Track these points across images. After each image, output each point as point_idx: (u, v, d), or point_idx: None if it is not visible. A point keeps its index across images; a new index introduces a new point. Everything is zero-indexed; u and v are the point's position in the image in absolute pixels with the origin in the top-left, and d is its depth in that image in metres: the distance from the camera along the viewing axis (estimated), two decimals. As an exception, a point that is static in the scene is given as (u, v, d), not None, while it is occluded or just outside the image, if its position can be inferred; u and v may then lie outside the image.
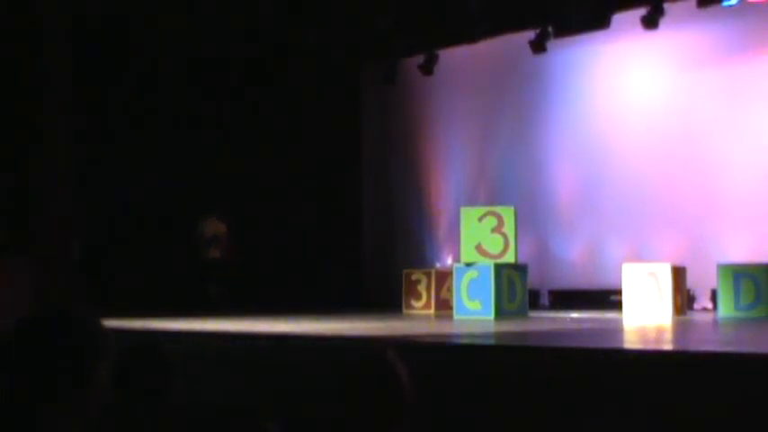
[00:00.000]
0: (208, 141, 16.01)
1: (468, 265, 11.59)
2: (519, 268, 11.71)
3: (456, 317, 11.40)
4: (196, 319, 10.31)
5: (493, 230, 11.58)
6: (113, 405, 3.18)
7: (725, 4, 13.82)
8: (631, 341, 7.87)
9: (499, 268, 11.34)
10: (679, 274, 11.89)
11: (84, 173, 13.67)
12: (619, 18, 14.34)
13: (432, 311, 13.30)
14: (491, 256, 11.49)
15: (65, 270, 12.67)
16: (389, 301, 14.69)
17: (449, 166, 17.14)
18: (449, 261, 15.77)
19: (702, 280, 12.83)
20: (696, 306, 13.43)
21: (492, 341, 7.93)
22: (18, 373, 2.31)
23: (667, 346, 7.38)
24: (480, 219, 11.68)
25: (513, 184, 15.80)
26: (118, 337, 2.48)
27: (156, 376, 3.61)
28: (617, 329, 9.28)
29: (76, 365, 2.33)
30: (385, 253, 17.32)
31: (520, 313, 11.48)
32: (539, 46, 15.12)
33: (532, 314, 11.95)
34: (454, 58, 16.28)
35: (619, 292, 12.17)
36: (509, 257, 11.50)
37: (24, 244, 12.14)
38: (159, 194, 15.25)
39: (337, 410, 2.98)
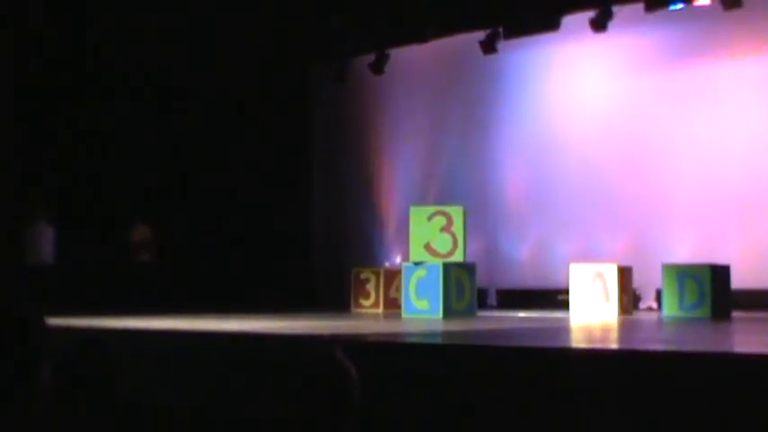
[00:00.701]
0: (154, 142, 15.87)
1: (417, 264, 11.61)
2: (467, 268, 11.75)
3: (404, 316, 11.41)
4: (142, 318, 10.20)
5: (442, 230, 11.61)
6: (57, 404, 3.13)
7: (672, 7, 14.01)
8: (578, 340, 7.94)
9: (448, 267, 11.38)
10: (625, 274, 12.04)
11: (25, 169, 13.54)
12: (568, 20, 14.48)
13: (380, 310, 13.30)
14: (440, 256, 11.52)
15: (9, 270, 12.55)
16: (338, 299, 14.67)
17: (399, 164, 17.16)
18: (398, 260, 15.78)
19: (648, 280, 12.99)
20: (642, 306, 13.60)
21: (439, 340, 7.95)
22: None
23: (613, 345, 7.46)
24: (429, 218, 11.71)
25: (463, 184, 15.87)
26: (61, 336, 2.45)
27: (100, 375, 3.56)
28: (564, 328, 9.36)
29: (19, 365, 2.29)
30: (334, 251, 17.29)
31: (468, 312, 11.52)
32: (489, 47, 15.21)
33: (480, 313, 12.00)
34: (405, 57, 16.30)
35: (566, 292, 12.29)
36: (458, 257, 11.55)
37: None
38: (100, 195, 15.14)
39: (286, 409, 2.97)
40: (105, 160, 15.35)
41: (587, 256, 13.34)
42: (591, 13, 14.21)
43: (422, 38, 15.55)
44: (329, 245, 17.48)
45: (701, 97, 14.02)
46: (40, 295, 12.55)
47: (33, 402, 2.32)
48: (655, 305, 13.41)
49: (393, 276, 13.37)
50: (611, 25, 14.13)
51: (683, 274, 11.15)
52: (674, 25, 14.23)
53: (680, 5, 14.03)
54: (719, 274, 11.18)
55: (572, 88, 15.35)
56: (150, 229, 14.97)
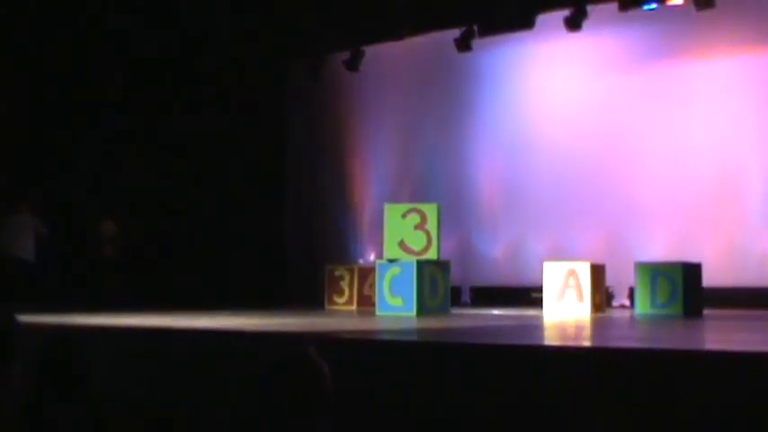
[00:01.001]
0: (131, 141, 15.83)
1: (391, 261, 11.61)
2: (441, 265, 11.77)
3: (378, 313, 11.41)
4: (114, 315, 10.14)
5: (416, 227, 11.62)
6: (30, 404, 3.10)
7: (645, 7, 14.10)
8: (551, 338, 7.96)
9: (422, 265, 11.39)
10: (598, 272, 12.10)
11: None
12: (543, 19, 14.53)
13: (354, 307, 13.29)
14: (414, 253, 11.53)
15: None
16: (312, 296, 14.65)
17: (373, 162, 17.16)
18: (371, 257, 15.78)
19: (621, 278, 13.07)
20: (615, 303, 13.68)
21: (414, 337, 7.95)
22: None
23: (586, 342, 7.48)
24: (404, 215, 11.71)
25: (437, 181, 15.89)
26: (33, 335, 2.43)
27: (74, 374, 3.53)
28: (537, 326, 9.39)
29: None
30: (308, 249, 17.26)
31: (442, 310, 11.54)
32: (464, 44, 15.24)
33: (454, 311, 12.02)
34: (380, 54, 16.30)
35: (540, 290, 12.33)
36: (432, 254, 11.56)
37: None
38: (71, 192, 15.07)
39: (258, 407, 2.96)
40: (70, 155, 15.27)
41: (561, 254, 13.40)
42: (565, 12, 14.27)
43: (397, 35, 15.55)
44: (303, 242, 17.45)
45: (674, 96, 14.12)
46: (18, 291, 12.50)
47: (6, 401, 2.30)
48: (627, 303, 13.49)
49: (367, 274, 13.36)
50: (586, 24, 14.20)
51: (656, 272, 11.23)
52: (647, 25, 14.32)
53: (653, 5, 14.13)
54: (691, 272, 11.27)
55: (546, 87, 15.40)
56: (116, 224, 14.93)
